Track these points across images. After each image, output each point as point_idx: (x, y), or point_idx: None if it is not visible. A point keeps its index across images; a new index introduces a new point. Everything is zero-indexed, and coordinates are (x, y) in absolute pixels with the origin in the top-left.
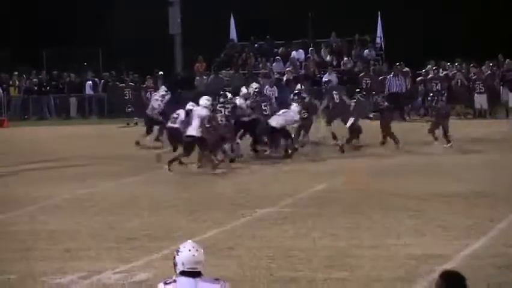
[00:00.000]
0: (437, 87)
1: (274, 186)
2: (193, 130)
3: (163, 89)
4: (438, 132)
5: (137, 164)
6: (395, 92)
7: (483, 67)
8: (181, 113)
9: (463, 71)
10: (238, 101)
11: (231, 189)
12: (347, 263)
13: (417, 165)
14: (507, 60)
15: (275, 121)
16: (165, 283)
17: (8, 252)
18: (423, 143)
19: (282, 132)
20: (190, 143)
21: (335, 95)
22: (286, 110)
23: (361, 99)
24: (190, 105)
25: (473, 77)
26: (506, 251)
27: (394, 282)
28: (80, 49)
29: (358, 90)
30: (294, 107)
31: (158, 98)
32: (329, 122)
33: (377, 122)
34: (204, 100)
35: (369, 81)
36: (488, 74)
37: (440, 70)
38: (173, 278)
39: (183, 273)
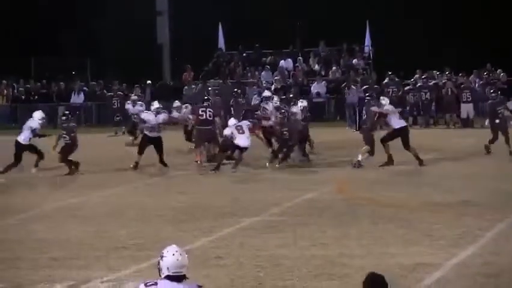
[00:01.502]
0: (427, 96)
1: (262, 194)
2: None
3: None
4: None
5: (125, 173)
6: (350, 102)
7: (471, 76)
8: None
9: (453, 80)
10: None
11: (219, 198)
12: (336, 272)
13: (405, 174)
14: (498, 70)
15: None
16: (146, 285)
17: None
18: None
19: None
20: None
21: None
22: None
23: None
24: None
25: (462, 86)
26: (494, 259)
27: None
28: (68, 58)
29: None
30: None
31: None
32: None
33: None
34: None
35: (350, 92)
36: (481, 84)
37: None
38: (156, 280)
39: (168, 277)
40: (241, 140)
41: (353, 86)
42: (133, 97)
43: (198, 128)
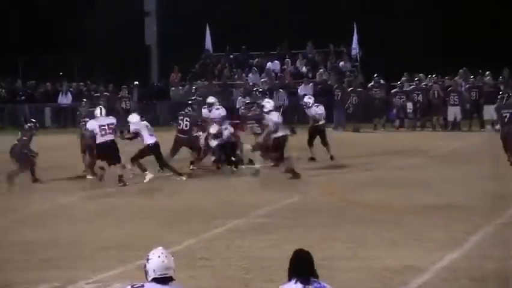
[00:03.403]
0: (419, 98)
1: (249, 196)
2: None
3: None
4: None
5: (112, 174)
6: (278, 106)
7: (456, 78)
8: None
9: (440, 83)
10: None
11: (206, 200)
12: (322, 275)
13: (392, 177)
14: (487, 73)
15: None
16: (132, 287)
17: None
18: (398, 155)
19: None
20: None
21: None
22: None
23: None
24: None
25: (449, 89)
26: (481, 263)
27: None
28: (55, 58)
29: None
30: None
31: None
32: None
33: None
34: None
35: (339, 93)
36: (467, 87)
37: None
38: (142, 283)
39: (155, 279)
40: None
41: (280, 90)
42: None
43: (176, 135)
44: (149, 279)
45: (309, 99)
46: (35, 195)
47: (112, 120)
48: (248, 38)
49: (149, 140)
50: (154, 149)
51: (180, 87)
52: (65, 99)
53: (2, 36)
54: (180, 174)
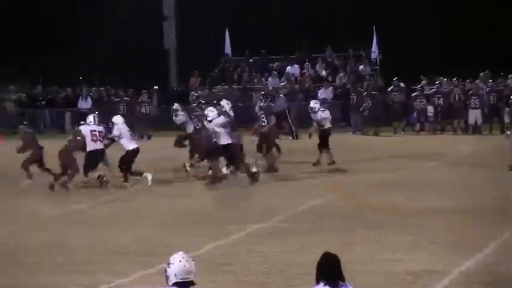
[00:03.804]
0: (439, 101)
1: (268, 201)
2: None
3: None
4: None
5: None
6: (276, 111)
7: (476, 81)
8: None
9: (461, 86)
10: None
11: (224, 204)
12: None
13: (409, 180)
14: (509, 76)
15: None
16: None
17: None
18: (417, 158)
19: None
20: None
21: None
22: None
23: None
24: None
25: (470, 92)
26: (497, 268)
27: None
28: (75, 63)
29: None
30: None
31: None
32: None
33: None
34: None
35: (355, 97)
36: (488, 90)
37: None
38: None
39: (176, 284)
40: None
41: (281, 95)
42: None
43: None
44: (170, 283)
45: (315, 104)
46: (49, 199)
47: (102, 128)
48: (267, 42)
49: (131, 145)
50: (137, 152)
51: (200, 92)
52: (84, 104)
53: (6, 37)
54: (126, 180)
